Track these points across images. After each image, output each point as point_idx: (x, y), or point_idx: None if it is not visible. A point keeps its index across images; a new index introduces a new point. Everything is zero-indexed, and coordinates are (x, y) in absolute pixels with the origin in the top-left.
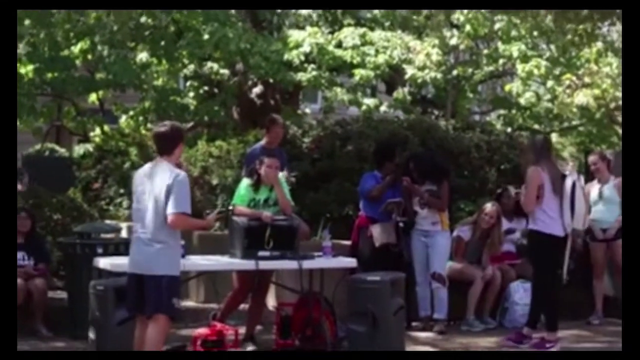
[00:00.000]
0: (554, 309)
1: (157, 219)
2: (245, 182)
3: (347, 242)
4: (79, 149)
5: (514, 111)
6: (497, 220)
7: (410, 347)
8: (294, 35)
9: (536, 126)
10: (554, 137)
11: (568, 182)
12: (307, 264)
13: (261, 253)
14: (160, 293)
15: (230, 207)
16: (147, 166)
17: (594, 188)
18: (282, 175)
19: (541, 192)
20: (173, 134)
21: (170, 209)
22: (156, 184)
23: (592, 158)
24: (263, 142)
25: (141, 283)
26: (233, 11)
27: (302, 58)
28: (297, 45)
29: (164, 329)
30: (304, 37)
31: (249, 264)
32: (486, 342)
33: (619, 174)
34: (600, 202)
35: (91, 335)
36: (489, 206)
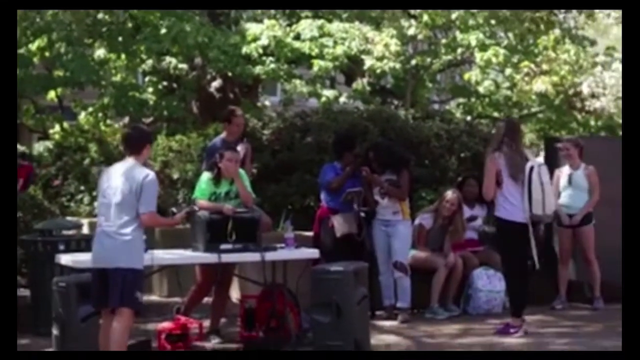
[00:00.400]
0: (520, 296)
1: (123, 214)
2: (206, 175)
3: (309, 234)
4: (38, 147)
5: (473, 99)
6: (458, 207)
7: (375, 336)
8: (252, 28)
9: (495, 114)
10: None
11: (526, 168)
12: (270, 256)
13: (223, 246)
14: (124, 286)
15: (192, 209)
16: (117, 165)
17: (564, 174)
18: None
19: (500, 178)
20: (142, 135)
21: (142, 209)
22: (125, 181)
23: (563, 144)
24: (223, 135)
25: (105, 277)
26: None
27: (260, 51)
28: (255, 39)
29: (128, 322)
30: (262, 30)
31: (211, 257)
32: (450, 330)
33: (590, 161)
34: (569, 187)
35: (55, 332)
36: (449, 193)
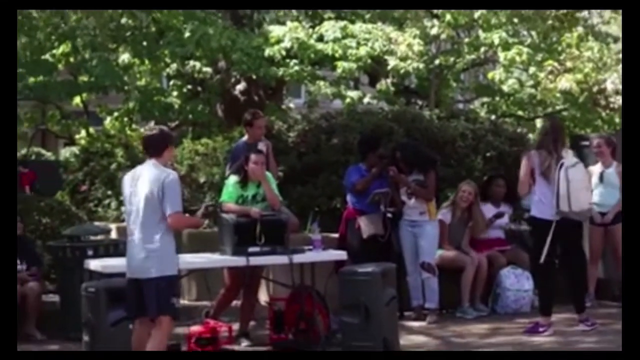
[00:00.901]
0: (548, 294)
1: (151, 220)
2: (233, 179)
3: (336, 235)
4: (65, 152)
5: (497, 98)
6: (474, 198)
7: (404, 337)
8: (275, 30)
9: (520, 112)
10: (538, 122)
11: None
12: (298, 258)
13: (251, 249)
14: (159, 295)
15: (211, 203)
16: (137, 168)
17: (596, 172)
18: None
19: (534, 177)
20: (162, 137)
21: (168, 210)
22: (147, 184)
23: (596, 141)
24: (245, 137)
25: (140, 286)
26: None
27: (284, 53)
28: (278, 41)
29: (168, 329)
30: (285, 32)
31: (239, 261)
32: (479, 329)
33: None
34: (600, 185)
35: (85, 337)
36: (464, 184)
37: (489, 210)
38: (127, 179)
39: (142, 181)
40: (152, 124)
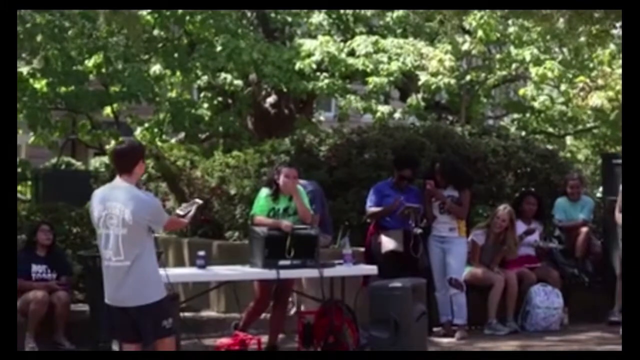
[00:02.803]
0: None
1: (133, 247)
2: (264, 192)
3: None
4: (95, 162)
5: (528, 115)
6: (510, 223)
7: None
8: (306, 44)
9: (550, 129)
10: (569, 140)
11: None
12: (328, 272)
13: (282, 262)
14: (154, 322)
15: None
16: (106, 188)
17: None
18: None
19: None
20: (133, 152)
21: (162, 225)
22: (125, 210)
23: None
24: None
25: (127, 313)
26: (244, 21)
27: (314, 67)
28: (309, 55)
29: (172, 349)
30: (316, 46)
31: (270, 274)
32: (508, 346)
33: None
34: None
35: (114, 347)
36: (501, 209)
37: (519, 227)
38: (97, 200)
39: (118, 205)
40: (182, 135)
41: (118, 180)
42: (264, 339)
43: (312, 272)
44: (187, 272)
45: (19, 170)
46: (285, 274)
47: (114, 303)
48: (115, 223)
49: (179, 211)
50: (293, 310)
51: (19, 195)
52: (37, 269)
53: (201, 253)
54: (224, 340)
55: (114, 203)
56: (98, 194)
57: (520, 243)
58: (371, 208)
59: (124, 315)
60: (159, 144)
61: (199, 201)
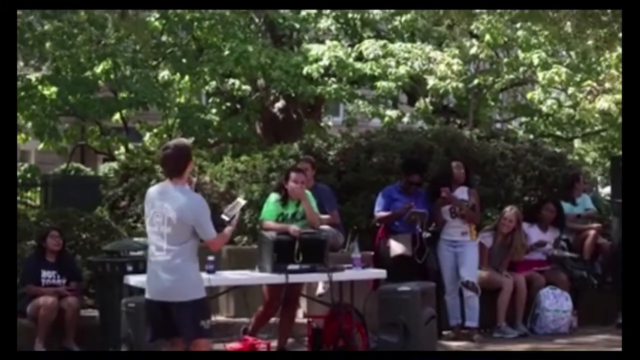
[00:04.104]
0: None
1: (175, 244)
2: (273, 197)
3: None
4: (104, 168)
5: (535, 118)
6: (517, 224)
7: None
8: (314, 49)
9: (558, 133)
10: (577, 143)
11: None
12: (337, 276)
13: (291, 267)
14: (193, 319)
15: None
16: (157, 187)
17: None
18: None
19: None
20: (180, 155)
21: (206, 237)
22: (173, 209)
23: None
24: None
25: (167, 309)
26: (252, 26)
27: (322, 71)
28: (317, 59)
29: (206, 349)
30: (324, 50)
31: (279, 278)
32: (518, 349)
33: None
34: None
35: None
36: (507, 210)
37: (535, 233)
38: (148, 199)
39: (166, 204)
40: (191, 140)
41: (168, 182)
42: (274, 343)
43: (321, 277)
44: None
45: (28, 176)
46: (294, 278)
47: (154, 297)
48: (160, 221)
49: (223, 216)
50: (301, 314)
51: (28, 201)
52: (46, 274)
53: (210, 258)
54: (234, 345)
55: (162, 202)
56: (150, 192)
57: (530, 252)
58: (380, 212)
59: (164, 312)
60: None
61: (242, 201)
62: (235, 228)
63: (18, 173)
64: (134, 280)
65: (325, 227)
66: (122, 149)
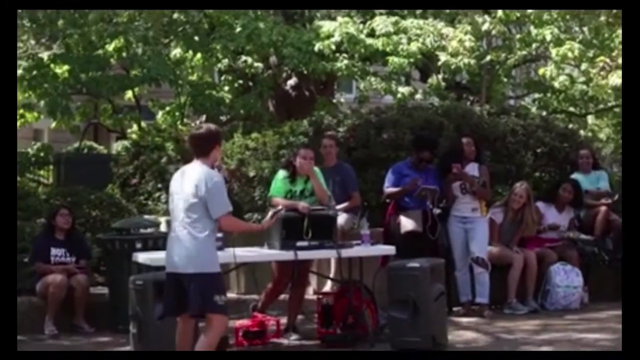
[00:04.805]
0: None
1: (191, 219)
2: (281, 173)
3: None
4: (117, 146)
5: (548, 95)
6: (527, 200)
7: (453, 333)
8: (325, 25)
9: (571, 109)
10: (590, 119)
11: None
12: (346, 253)
13: (299, 243)
14: (202, 292)
15: (279, 209)
16: (185, 167)
17: None
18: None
19: None
20: (209, 136)
21: (217, 213)
22: (191, 184)
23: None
24: None
25: (180, 282)
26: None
27: (334, 48)
28: (329, 36)
29: (220, 329)
30: (335, 27)
31: (287, 255)
32: (529, 326)
33: None
34: None
35: (132, 329)
36: (518, 186)
37: (551, 214)
38: (175, 177)
39: (186, 181)
40: (203, 118)
41: (195, 161)
42: (283, 320)
43: (330, 253)
44: None
45: (41, 154)
46: (302, 255)
47: (169, 270)
48: (179, 197)
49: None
50: (311, 291)
51: (41, 179)
52: (55, 252)
53: (219, 235)
54: (243, 322)
55: (184, 179)
56: (179, 172)
57: (544, 233)
58: (389, 188)
59: (179, 286)
60: (180, 127)
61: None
62: (261, 229)
63: (31, 152)
64: (142, 257)
65: (342, 216)
66: (135, 127)
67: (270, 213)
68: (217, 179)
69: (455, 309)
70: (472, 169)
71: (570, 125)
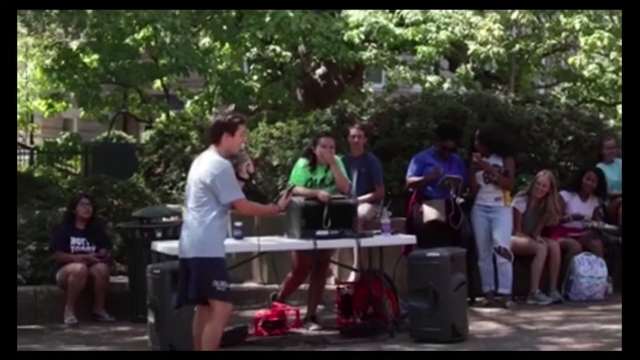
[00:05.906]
0: None
1: (197, 204)
2: (302, 162)
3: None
4: (145, 135)
5: (578, 84)
6: (551, 189)
7: (474, 323)
8: (354, 14)
9: (601, 98)
10: (619, 109)
11: None
12: (366, 242)
13: (319, 232)
14: (200, 277)
15: (290, 184)
16: (202, 154)
17: None
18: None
19: None
20: (216, 126)
21: (227, 199)
22: (200, 170)
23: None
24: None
25: (189, 269)
26: None
27: (362, 37)
28: (358, 25)
29: (222, 317)
30: (364, 16)
31: (307, 244)
32: (551, 316)
33: None
34: None
35: (150, 319)
36: (541, 174)
37: (576, 203)
38: (193, 164)
39: (196, 167)
40: (231, 107)
41: (209, 149)
42: (303, 310)
43: (350, 242)
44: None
45: (69, 144)
46: (322, 244)
47: (179, 255)
48: (190, 183)
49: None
50: (332, 281)
51: (69, 168)
52: (76, 241)
53: (238, 224)
54: (263, 312)
55: (196, 166)
56: (196, 159)
57: (567, 222)
58: (411, 177)
59: (187, 272)
60: (208, 116)
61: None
62: (278, 210)
63: (59, 141)
64: (161, 246)
65: (365, 205)
66: (163, 117)
67: (284, 192)
68: (224, 167)
69: (478, 299)
70: (496, 158)
71: (598, 115)
